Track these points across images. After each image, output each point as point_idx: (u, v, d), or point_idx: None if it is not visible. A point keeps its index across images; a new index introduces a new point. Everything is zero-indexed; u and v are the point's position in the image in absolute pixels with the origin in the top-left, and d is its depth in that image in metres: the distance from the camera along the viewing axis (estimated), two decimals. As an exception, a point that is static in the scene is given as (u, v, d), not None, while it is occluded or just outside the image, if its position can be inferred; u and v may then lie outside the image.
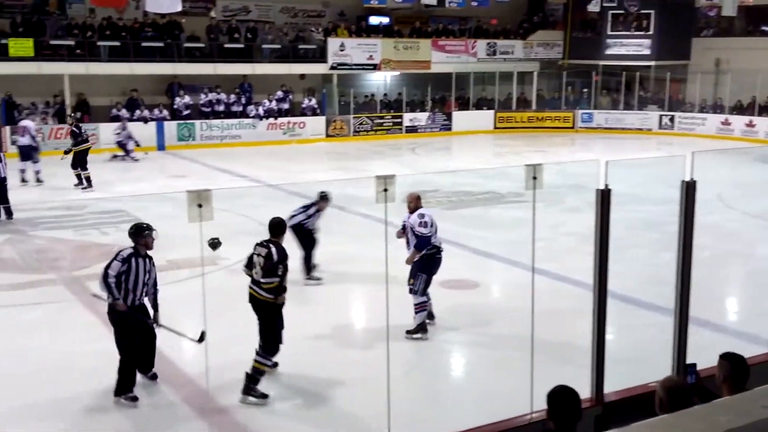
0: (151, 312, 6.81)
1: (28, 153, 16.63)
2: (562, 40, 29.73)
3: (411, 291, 7.94)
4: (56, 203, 14.57)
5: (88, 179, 16.39)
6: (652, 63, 28.08)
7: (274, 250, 6.61)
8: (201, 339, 6.32)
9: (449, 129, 27.31)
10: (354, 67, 25.97)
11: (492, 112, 28.30)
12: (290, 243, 10.66)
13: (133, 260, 6.58)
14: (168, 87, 24.03)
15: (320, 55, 25.41)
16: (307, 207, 9.95)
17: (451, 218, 13.53)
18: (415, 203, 8.08)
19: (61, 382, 6.90)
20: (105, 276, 6.50)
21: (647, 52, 28.02)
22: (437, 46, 27.33)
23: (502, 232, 12.26)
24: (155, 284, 6.81)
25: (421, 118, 26.98)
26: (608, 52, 28.55)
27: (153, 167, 19.72)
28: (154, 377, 6.94)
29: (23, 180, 16.56)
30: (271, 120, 23.95)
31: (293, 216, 9.72)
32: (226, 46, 24.14)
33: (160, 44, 23.02)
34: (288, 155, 21.83)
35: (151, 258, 6.79)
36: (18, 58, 20.75)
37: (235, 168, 19.21)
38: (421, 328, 7.98)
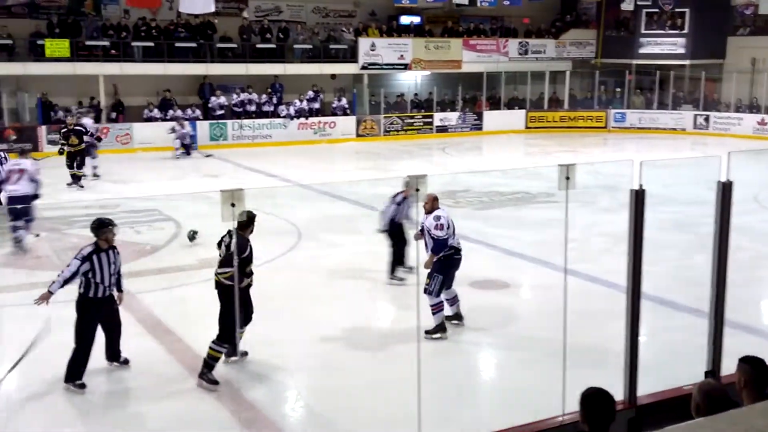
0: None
1: (86, 149, 17.26)
2: (594, 39, 29.44)
3: (426, 291, 7.85)
4: (90, 202, 14.70)
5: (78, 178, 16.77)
6: (687, 62, 27.67)
7: (233, 241, 6.61)
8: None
9: (480, 129, 27.18)
10: (385, 66, 25.97)
11: (523, 111, 28.12)
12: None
13: (94, 257, 6.77)
14: (200, 87, 24.24)
15: (351, 55, 25.45)
16: (394, 197, 9.59)
17: (481, 218, 13.52)
18: (431, 204, 7.96)
19: (95, 379, 6.93)
20: (61, 272, 6.83)
21: (682, 51, 27.63)
22: (468, 45, 27.23)
23: (533, 233, 12.16)
24: (119, 272, 7.04)
25: (452, 117, 26.89)
26: (642, 50, 28.20)
27: (185, 166, 19.89)
28: (126, 362, 7.13)
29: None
30: (302, 120, 24.04)
31: (383, 212, 9.63)
32: (258, 46, 24.27)
33: (193, 45, 23.21)
34: (318, 155, 21.88)
35: (115, 248, 6.98)
36: (54, 58, 21.04)
37: (266, 167, 19.29)
38: (440, 329, 7.92)
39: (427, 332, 7.81)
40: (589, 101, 28.77)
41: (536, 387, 6.40)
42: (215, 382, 6.70)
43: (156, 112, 22.71)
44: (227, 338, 6.70)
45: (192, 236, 11.67)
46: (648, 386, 4.98)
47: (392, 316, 9.27)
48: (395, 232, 9.62)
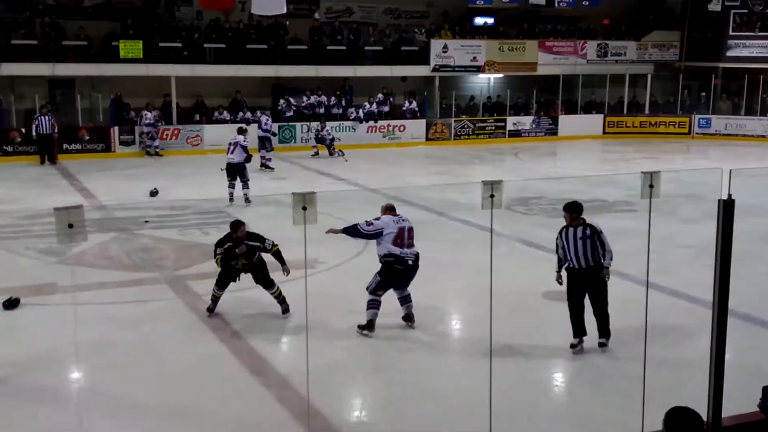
0: None
1: (262, 143, 19.59)
2: (678, 41, 28.34)
3: (366, 288, 8.13)
4: (160, 203, 14.85)
5: None
6: (778, 65, 26.37)
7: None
8: None
9: (555, 133, 26.49)
10: (457, 69, 25.53)
11: (601, 116, 27.31)
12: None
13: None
14: (271, 89, 24.27)
15: (422, 57, 25.11)
16: None
17: (555, 226, 12.93)
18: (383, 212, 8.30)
19: (159, 379, 6.99)
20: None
21: (773, 53, 26.35)
22: (544, 47, 26.53)
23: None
24: None
25: (525, 121, 26.26)
26: (729, 53, 26.99)
27: (254, 169, 19.88)
28: None
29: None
30: (371, 123, 23.76)
31: None
32: (329, 48, 24.16)
33: (264, 46, 23.24)
34: (387, 159, 21.64)
35: None
36: (128, 59, 21.35)
37: (334, 171, 19.16)
38: (368, 326, 7.97)
39: (358, 327, 8.01)
40: (672, 106, 27.72)
41: (613, 405, 6.31)
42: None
43: (226, 114, 22.80)
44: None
45: (154, 193, 13.53)
46: (733, 408, 4.65)
47: (462, 325, 9.00)
48: None
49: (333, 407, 6.43)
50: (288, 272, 8.10)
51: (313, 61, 23.68)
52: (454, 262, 10.72)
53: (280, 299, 8.45)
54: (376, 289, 8.10)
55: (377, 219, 8.15)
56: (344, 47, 24.40)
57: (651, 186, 4.76)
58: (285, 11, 17.81)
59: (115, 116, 21.75)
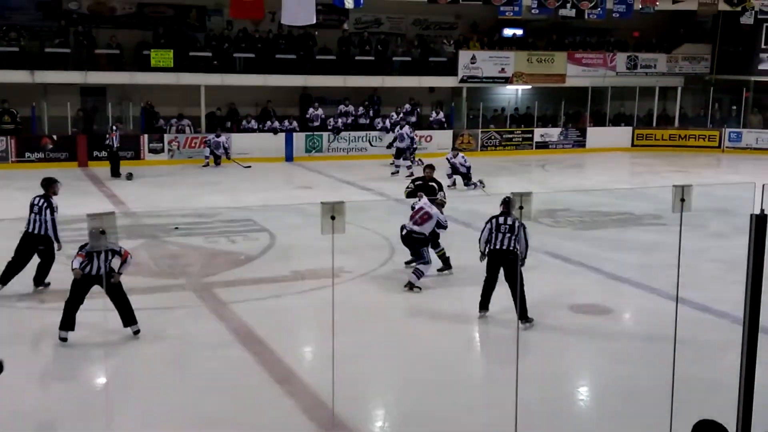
0: None
1: (402, 152, 20.48)
2: (709, 54, 28.04)
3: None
4: (188, 210, 14.96)
5: None
6: (811, 79, 26.00)
7: None
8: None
9: (583, 146, 26.30)
10: (485, 80, 25.46)
11: (630, 128, 27.04)
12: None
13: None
14: (299, 99, 24.38)
15: (450, 68, 25.07)
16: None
17: (583, 239, 13.04)
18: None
19: (184, 386, 7.03)
20: None
21: (805, 67, 25.98)
22: (573, 59, 26.39)
23: (638, 256, 11.60)
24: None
25: (553, 133, 26.11)
26: (762, 67, 26.63)
27: (280, 178, 20.00)
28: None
29: (394, 173, 20.15)
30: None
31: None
32: (357, 58, 24.22)
33: (293, 56, 23.37)
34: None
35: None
36: (158, 68, 21.58)
37: (359, 180, 19.17)
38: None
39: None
40: (702, 119, 27.40)
41: (640, 421, 6.23)
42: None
43: (253, 123, 22.94)
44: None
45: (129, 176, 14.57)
46: (763, 425, 4.59)
47: (487, 335, 8.93)
48: None
49: (357, 417, 6.42)
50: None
51: (342, 71, 23.76)
52: (479, 272, 10.68)
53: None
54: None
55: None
56: (372, 58, 24.45)
57: (682, 200, 4.73)
58: (315, 21, 17.86)
59: (145, 124, 21.97)
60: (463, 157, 18.55)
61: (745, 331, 4.45)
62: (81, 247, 7.76)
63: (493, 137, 25.22)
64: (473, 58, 25.11)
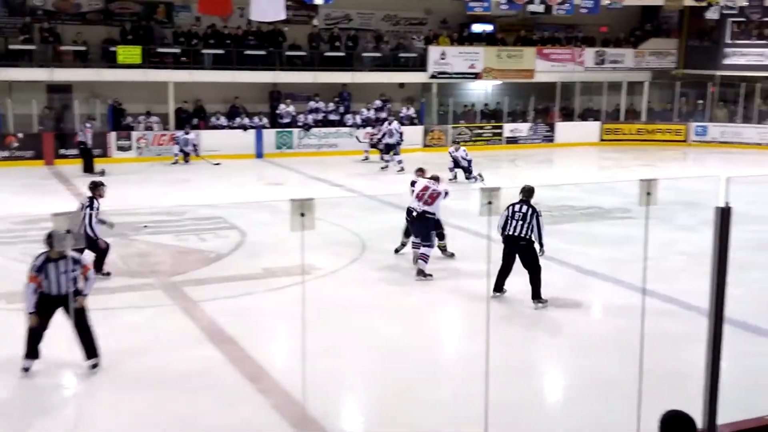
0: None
1: (392, 147, 20.61)
2: (676, 49, 28.39)
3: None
4: (157, 208, 14.82)
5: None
6: (775, 73, 26.40)
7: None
8: None
9: (552, 140, 26.49)
10: (455, 75, 25.54)
11: (598, 123, 27.31)
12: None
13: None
14: (269, 95, 24.27)
15: (420, 64, 25.12)
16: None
17: (552, 233, 12.96)
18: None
19: (154, 385, 6.96)
20: None
21: (769, 61, 26.38)
22: (542, 54, 26.56)
23: (607, 249, 11.69)
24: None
25: (523, 128, 26.28)
26: (726, 61, 27.02)
27: (251, 174, 19.89)
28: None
29: (383, 168, 20.44)
30: (369, 129, 23.79)
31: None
32: (327, 54, 24.16)
33: (263, 52, 23.25)
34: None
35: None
36: (126, 65, 21.34)
37: (330, 177, 19.14)
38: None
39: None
40: (669, 113, 27.75)
41: (609, 411, 6.31)
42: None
43: (223, 120, 22.80)
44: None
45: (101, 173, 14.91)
46: (728, 415, 4.63)
47: (457, 330, 8.99)
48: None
49: (329, 414, 6.41)
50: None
51: (312, 68, 23.69)
52: (450, 268, 10.75)
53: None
54: (406, 234, 10.93)
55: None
56: (342, 53, 24.41)
57: (648, 193, 4.75)
58: (284, 17, 17.78)
59: (113, 122, 21.72)
60: (464, 150, 18.88)
61: (711, 321, 4.49)
62: (33, 266, 6.94)
63: (463, 133, 25.31)
64: (443, 53, 25.17)
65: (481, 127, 25.77)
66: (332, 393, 6.79)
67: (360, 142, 22.65)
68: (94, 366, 7.12)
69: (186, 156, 21.13)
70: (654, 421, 3.67)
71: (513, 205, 9.12)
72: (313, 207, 4.45)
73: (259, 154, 22.52)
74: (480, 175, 18.51)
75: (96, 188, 10.34)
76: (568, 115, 27.46)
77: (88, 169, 19.10)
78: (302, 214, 4.44)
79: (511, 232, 9.00)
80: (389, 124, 21.05)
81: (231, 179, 18.94)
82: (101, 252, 10.14)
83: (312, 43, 24.27)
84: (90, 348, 7.09)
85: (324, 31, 25.00)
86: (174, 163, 20.91)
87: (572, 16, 24.93)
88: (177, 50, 22.48)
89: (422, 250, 10.26)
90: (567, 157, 24.41)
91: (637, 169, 20.90)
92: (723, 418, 4.56)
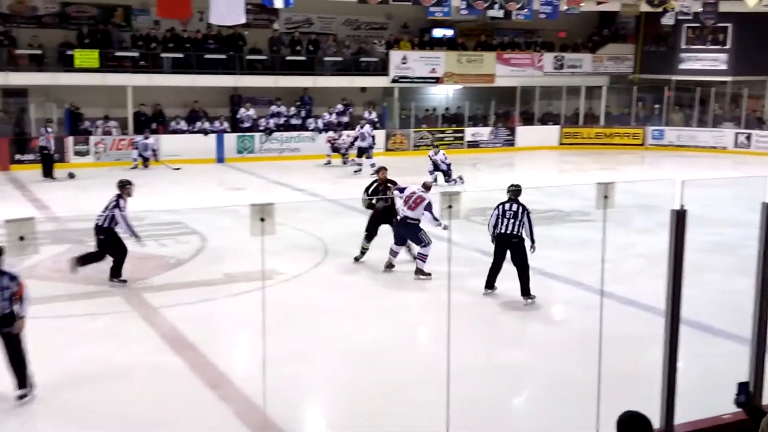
0: None
1: (364, 150, 20.77)
2: (633, 54, 28.86)
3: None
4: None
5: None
6: (729, 78, 26.98)
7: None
8: None
9: (512, 144, 26.74)
10: (416, 80, 25.65)
11: (558, 127, 27.63)
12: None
13: None
14: (230, 99, 24.10)
15: (382, 68, 25.18)
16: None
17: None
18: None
19: (114, 393, 6.87)
20: None
21: (723, 67, 26.96)
22: (502, 59, 26.80)
23: (567, 252, 11.80)
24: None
25: (484, 132, 26.47)
26: (682, 66, 27.57)
27: (212, 179, 19.72)
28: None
29: (356, 171, 20.51)
30: (331, 133, 23.76)
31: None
32: (288, 58, 24.07)
33: (223, 56, 23.09)
34: (346, 169, 21.58)
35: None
36: (83, 69, 21.03)
37: (293, 181, 19.06)
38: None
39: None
40: (626, 117, 28.18)
41: (569, 411, 6.34)
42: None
43: (183, 124, 22.59)
44: None
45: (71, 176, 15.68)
46: (686, 415, 4.74)
47: (421, 333, 9.01)
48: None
49: (291, 420, 6.38)
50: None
51: (273, 72, 23.59)
52: (412, 270, 10.77)
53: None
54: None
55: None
56: (304, 58, 24.34)
57: (606, 197, 4.83)
58: (244, 21, 17.67)
59: (70, 126, 21.38)
60: (443, 154, 19.13)
61: (668, 323, 4.59)
62: None
63: (425, 137, 25.42)
64: (404, 58, 25.26)
65: (442, 131, 25.90)
66: (296, 398, 6.77)
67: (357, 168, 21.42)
68: (22, 397, 6.50)
69: (145, 161, 20.90)
70: (613, 419, 3.72)
71: (503, 204, 9.40)
72: (273, 212, 4.46)
73: (220, 159, 22.36)
74: (460, 178, 18.72)
75: (124, 187, 10.36)
76: (528, 120, 27.73)
77: (48, 174, 18.80)
78: (262, 219, 4.44)
79: (503, 230, 9.28)
80: (362, 127, 21.14)
81: (191, 184, 18.76)
82: (121, 256, 10.15)
83: (273, 47, 24.17)
84: (22, 376, 6.51)
85: (285, 35, 24.91)
86: (133, 168, 20.64)
87: (531, 21, 25.16)
88: (135, 54, 22.21)
89: (420, 249, 10.33)
90: (528, 161, 24.63)
91: (596, 172, 21.11)
92: (680, 417, 4.66)
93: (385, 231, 11.08)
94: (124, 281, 10.16)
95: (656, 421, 4.51)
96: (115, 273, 10.16)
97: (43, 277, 10.25)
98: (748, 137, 26.08)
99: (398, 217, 10.51)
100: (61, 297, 9.59)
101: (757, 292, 4.79)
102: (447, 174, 18.76)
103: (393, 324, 8.98)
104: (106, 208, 10.22)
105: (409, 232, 10.43)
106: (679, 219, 4.45)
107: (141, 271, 10.89)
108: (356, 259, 11.15)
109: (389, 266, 10.70)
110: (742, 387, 4.35)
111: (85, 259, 10.22)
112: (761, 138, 25.86)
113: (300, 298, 9.55)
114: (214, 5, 14.01)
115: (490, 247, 9.65)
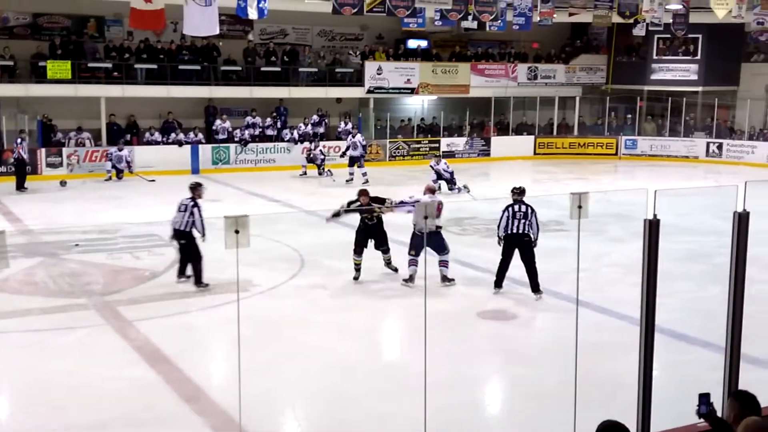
0: None
1: (356, 159, 20.83)
2: (605, 65, 29.15)
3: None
4: (90, 226, 14.45)
5: None
6: (700, 88, 27.31)
7: None
8: None
9: (488, 154, 26.86)
10: (391, 90, 25.70)
11: (532, 137, 27.79)
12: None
13: None
14: (204, 110, 24.00)
15: (357, 79, 25.20)
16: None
17: (489, 246, 13.14)
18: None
19: (89, 408, 6.79)
20: None
21: (694, 77, 27.30)
22: (476, 70, 26.96)
23: (542, 262, 11.81)
24: None
25: (459, 143, 26.58)
26: (653, 77, 27.90)
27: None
28: None
29: (348, 180, 20.54)
30: (306, 144, 23.73)
31: None
32: (263, 69, 24.03)
33: (197, 67, 23.00)
34: (322, 180, 21.55)
35: None
36: (55, 80, 20.83)
37: (268, 192, 19.01)
38: (410, 279, 10.30)
39: (403, 280, 10.34)
40: (599, 127, 28.43)
41: (546, 420, 6.35)
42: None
43: (157, 136, 22.44)
44: None
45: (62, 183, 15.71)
46: (661, 423, 4.77)
47: (398, 344, 9.04)
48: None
49: (269, 432, 6.34)
50: None
51: (248, 83, 23.54)
52: (390, 279, 10.76)
53: None
54: (409, 249, 10.33)
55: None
56: (279, 69, 24.31)
57: (579, 207, 4.86)
58: (218, 32, 17.64)
59: (43, 138, 21.15)
60: (445, 163, 19.44)
61: (642, 331, 4.62)
62: None
63: (401, 147, 25.47)
64: (379, 69, 25.31)
65: (418, 142, 25.97)
66: (270, 410, 6.72)
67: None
68: None
69: (119, 173, 20.72)
70: (590, 428, 3.74)
71: (512, 205, 9.85)
72: (247, 223, 4.44)
73: (195, 170, 22.18)
74: (465, 187, 18.83)
75: (196, 189, 10.58)
76: (502, 130, 27.89)
77: (20, 185, 18.57)
78: (237, 231, 4.42)
79: (514, 231, 9.76)
80: (353, 137, 21.21)
81: (166, 196, 18.44)
82: (200, 260, 10.20)
83: (247, 58, 24.11)
84: None
85: (259, 45, 24.87)
86: (107, 180, 20.46)
87: (505, 32, 25.34)
88: (109, 65, 22.05)
89: (441, 257, 10.38)
90: (503, 171, 24.69)
91: (570, 182, 21.26)
92: (656, 425, 4.69)
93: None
94: (207, 285, 10.17)
95: (632, 430, 4.50)
96: (199, 278, 10.24)
97: (14, 291, 10.15)
98: (720, 146, 26.41)
99: (418, 230, 10.15)
100: (33, 311, 9.47)
101: (730, 300, 4.82)
102: (451, 182, 19.04)
103: (369, 335, 9.00)
104: (181, 212, 10.33)
105: (436, 240, 10.32)
106: (652, 228, 4.49)
107: (115, 284, 10.82)
108: (355, 279, 10.85)
109: (410, 279, 10.41)
110: (703, 398, 4.34)
111: (182, 272, 10.42)
112: (732, 147, 26.19)
113: (276, 310, 9.51)
114: (188, 16, 14.01)
115: (468, 257, 9.70)
